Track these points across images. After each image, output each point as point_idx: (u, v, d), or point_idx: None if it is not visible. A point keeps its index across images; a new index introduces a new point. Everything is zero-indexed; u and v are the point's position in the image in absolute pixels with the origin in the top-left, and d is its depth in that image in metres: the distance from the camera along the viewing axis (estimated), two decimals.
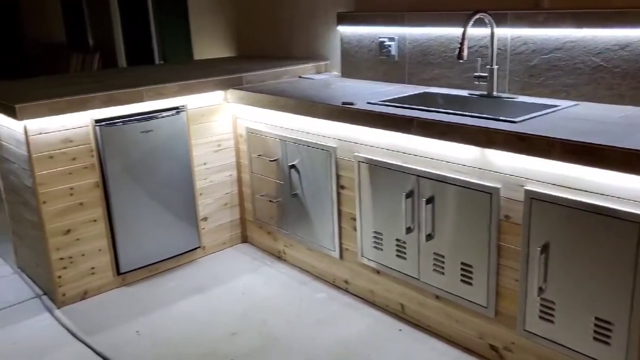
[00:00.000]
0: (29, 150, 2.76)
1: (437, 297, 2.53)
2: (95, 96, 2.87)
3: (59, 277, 2.95)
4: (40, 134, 2.78)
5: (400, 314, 2.73)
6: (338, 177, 2.84)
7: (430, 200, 2.41)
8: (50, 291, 3.02)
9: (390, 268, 2.68)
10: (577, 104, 2.43)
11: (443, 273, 2.45)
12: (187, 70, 3.72)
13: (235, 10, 4.46)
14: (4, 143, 3.10)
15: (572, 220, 1.97)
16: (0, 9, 8.92)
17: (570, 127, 2.04)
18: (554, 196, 2.00)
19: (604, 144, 1.79)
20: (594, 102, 2.45)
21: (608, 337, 1.96)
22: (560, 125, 2.07)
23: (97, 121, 2.93)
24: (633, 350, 1.90)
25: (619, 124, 2.07)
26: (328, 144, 2.84)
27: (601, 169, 1.83)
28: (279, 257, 3.42)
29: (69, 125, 2.86)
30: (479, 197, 2.24)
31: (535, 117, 2.22)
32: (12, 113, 2.67)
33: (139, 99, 3.02)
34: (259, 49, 4.33)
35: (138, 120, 3.06)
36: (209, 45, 4.84)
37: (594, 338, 2.00)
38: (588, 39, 2.43)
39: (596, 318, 1.98)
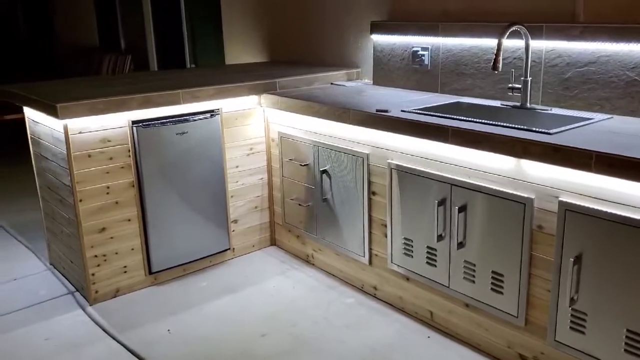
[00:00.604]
0: (68, 149, 2.83)
1: (467, 305, 2.54)
2: (133, 97, 2.94)
3: (93, 274, 3.02)
4: (80, 133, 2.86)
5: (428, 321, 2.75)
6: (370, 183, 2.87)
7: (462, 209, 2.44)
8: (83, 288, 3.09)
9: (420, 275, 2.70)
10: (611, 117, 2.44)
11: (473, 281, 2.46)
12: (220, 74, 3.79)
13: (268, 16, 4.53)
14: (42, 141, 3.18)
15: (607, 233, 1.98)
16: (33, 11, 9.14)
17: (606, 140, 2.05)
18: (589, 208, 2.01)
19: None
20: (628, 116, 2.45)
21: None
22: (596, 138, 2.08)
23: (134, 122, 3.01)
24: None
25: None
26: (361, 150, 2.88)
27: None
28: (307, 261, 3.46)
29: (107, 125, 2.94)
30: (513, 206, 2.25)
31: (570, 129, 2.23)
32: (53, 112, 2.75)
33: (176, 102, 3.08)
34: (290, 55, 4.39)
35: (174, 122, 3.13)
36: (240, 50, 4.91)
37: (625, 350, 2.00)
38: (623, 54, 2.44)
39: (628, 330, 1.98)
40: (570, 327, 2.15)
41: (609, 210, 1.96)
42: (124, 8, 6.92)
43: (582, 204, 2.04)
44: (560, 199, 2.10)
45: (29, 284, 3.30)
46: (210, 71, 4.10)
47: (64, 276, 3.35)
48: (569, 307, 2.13)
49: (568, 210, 2.07)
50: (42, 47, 8.95)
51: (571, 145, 1.98)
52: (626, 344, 2.00)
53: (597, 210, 1.99)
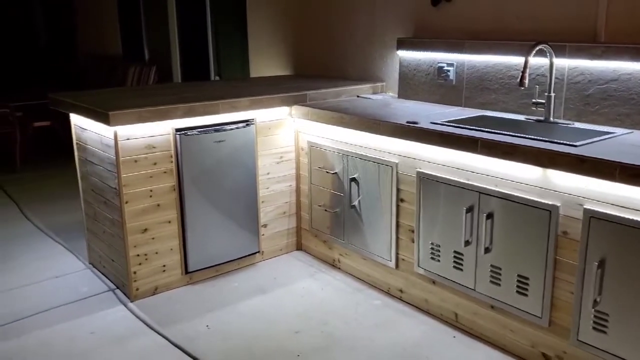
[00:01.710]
0: (117, 154, 3.01)
1: (492, 307, 2.70)
2: (177, 107, 3.12)
3: (134, 272, 3.19)
4: (128, 139, 3.04)
5: (454, 323, 2.90)
6: (398, 190, 3.04)
7: (490, 216, 2.60)
8: (124, 285, 3.26)
9: (446, 278, 2.86)
10: (632, 132, 2.60)
11: (499, 284, 2.62)
12: (250, 86, 3.97)
13: (293, 31, 4.73)
14: (88, 147, 3.37)
15: (630, 238, 2.13)
16: (57, 20, 9.38)
17: (628, 152, 2.21)
18: (613, 215, 2.17)
19: None
20: None
21: None
22: (619, 150, 2.25)
23: (177, 130, 3.19)
24: None
25: None
26: (390, 160, 3.05)
27: None
28: (333, 265, 3.62)
29: (152, 132, 3.12)
30: (539, 214, 2.42)
31: (594, 142, 2.40)
32: (105, 119, 2.93)
33: (215, 111, 3.26)
34: (313, 69, 4.58)
35: (213, 130, 3.31)
36: (265, 63, 5.10)
37: None
38: None
39: None
40: (593, 327, 2.30)
41: (632, 217, 2.12)
42: (149, 19, 7.13)
43: (606, 211, 2.20)
44: (585, 206, 2.26)
45: (70, 282, 3.47)
46: (240, 83, 4.28)
47: (104, 275, 3.52)
48: (592, 308, 2.29)
49: (593, 218, 2.23)
50: (62, 56, 9.15)
51: (597, 157, 2.14)
52: None
53: (621, 217, 2.15)
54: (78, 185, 3.65)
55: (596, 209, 2.23)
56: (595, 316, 2.29)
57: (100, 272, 3.57)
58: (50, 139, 6.79)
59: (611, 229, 2.18)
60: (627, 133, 2.58)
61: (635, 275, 2.14)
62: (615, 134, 2.55)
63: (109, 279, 3.46)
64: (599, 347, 2.30)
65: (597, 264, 2.23)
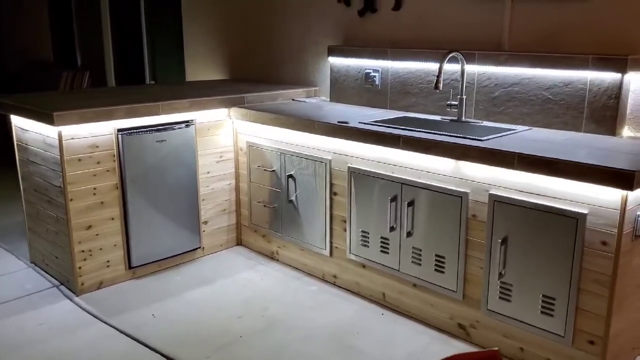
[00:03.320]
0: (61, 153, 3.14)
1: (415, 285, 3.02)
2: (119, 108, 3.29)
3: (80, 267, 3.31)
4: (72, 139, 3.17)
5: (382, 302, 3.20)
6: (331, 185, 3.32)
7: (411, 204, 2.92)
8: (69, 281, 3.37)
9: (375, 262, 3.16)
10: (531, 129, 3.00)
11: (420, 264, 2.94)
12: (189, 89, 4.15)
13: (230, 36, 4.94)
14: (30, 147, 3.46)
15: (527, 218, 2.50)
16: None
17: (526, 145, 2.58)
18: (513, 199, 2.53)
19: (558, 158, 2.33)
20: (544, 128, 3.02)
21: (552, 310, 2.48)
22: (519, 144, 2.62)
23: (119, 130, 3.34)
24: (570, 319, 2.43)
25: (563, 144, 2.64)
26: (323, 157, 3.33)
27: (551, 177, 2.37)
28: (272, 257, 3.86)
29: (95, 132, 3.26)
30: (452, 200, 2.76)
31: (498, 137, 2.77)
32: (49, 120, 3.06)
33: (156, 112, 3.44)
34: (251, 74, 4.81)
35: (154, 130, 3.48)
36: (201, 68, 5.29)
37: (541, 312, 2.52)
38: (540, 77, 3.01)
39: (543, 295, 2.50)
40: (500, 297, 2.66)
41: (529, 200, 2.49)
42: (82, 24, 7.14)
43: (507, 195, 2.56)
44: (490, 192, 2.62)
45: (14, 280, 3.54)
46: (178, 87, 4.46)
47: (47, 272, 3.60)
48: (498, 280, 2.64)
49: (496, 201, 2.59)
50: None
51: (499, 149, 2.50)
52: (542, 306, 2.52)
53: (520, 200, 2.52)
54: (12, 187, 3.70)
55: (499, 193, 2.59)
56: (501, 287, 2.64)
57: (43, 270, 3.65)
58: None
59: (512, 210, 2.54)
60: (527, 130, 2.98)
61: (532, 249, 2.50)
62: (516, 131, 2.93)
63: (52, 277, 3.55)
64: (505, 314, 2.65)
65: (500, 241, 2.59)
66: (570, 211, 2.38)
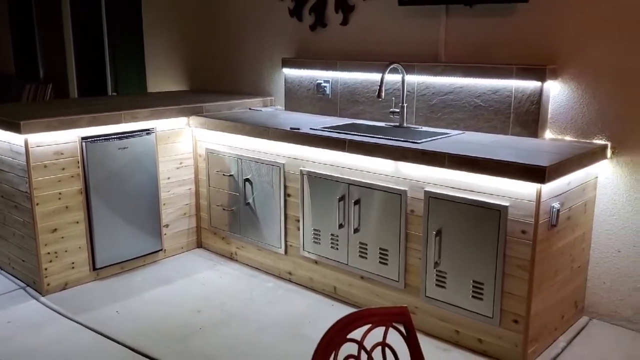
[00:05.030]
0: (28, 160, 3.31)
1: (362, 277, 3.28)
2: (82, 117, 3.47)
3: (46, 269, 3.47)
4: (38, 146, 3.34)
5: (333, 295, 3.45)
6: (285, 187, 3.56)
7: (357, 202, 3.18)
8: (35, 282, 3.52)
9: (326, 258, 3.41)
10: (464, 133, 3.30)
11: (366, 258, 3.20)
12: (150, 100, 4.35)
13: (189, 49, 5.16)
14: None
15: (458, 211, 2.79)
16: None
17: (457, 147, 2.88)
18: (445, 194, 2.82)
19: (479, 156, 2.63)
20: (475, 132, 3.33)
21: (481, 294, 2.77)
22: (451, 146, 2.91)
23: (83, 138, 3.52)
24: (497, 302, 2.72)
25: (491, 145, 2.94)
26: (278, 161, 3.57)
27: (477, 174, 2.67)
28: (231, 257, 4.07)
29: (60, 140, 3.44)
30: (393, 197, 3.03)
31: (433, 140, 3.06)
32: (16, 128, 3.23)
33: (118, 121, 3.64)
34: (209, 85, 5.04)
35: (116, 138, 3.67)
36: (162, 79, 5.49)
37: (472, 296, 2.80)
38: (471, 86, 3.32)
39: (473, 281, 2.79)
40: (436, 284, 2.93)
41: (459, 195, 2.78)
42: (43, 36, 7.24)
43: (440, 191, 2.84)
44: (425, 189, 2.90)
45: None
46: (139, 97, 4.65)
47: (13, 276, 3.74)
48: (434, 269, 2.92)
49: (431, 197, 2.87)
50: None
51: (432, 150, 2.78)
52: (473, 291, 2.80)
53: (451, 195, 2.80)
54: None
55: (433, 190, 2.87)
56: (437, 275, 2.92)
57: (9, 273, 3.78)
58: None
59: (444, 205, 2.83)
60: (460, 133, 3.28)
61: (463, 239, 2.79)
62: (450, 134, 3.23)
63: (19, 279, 3.69)
64: (441, 300, 2.93)
65: (435, 233, 2.87)
66: (494, 204, 2.67)
